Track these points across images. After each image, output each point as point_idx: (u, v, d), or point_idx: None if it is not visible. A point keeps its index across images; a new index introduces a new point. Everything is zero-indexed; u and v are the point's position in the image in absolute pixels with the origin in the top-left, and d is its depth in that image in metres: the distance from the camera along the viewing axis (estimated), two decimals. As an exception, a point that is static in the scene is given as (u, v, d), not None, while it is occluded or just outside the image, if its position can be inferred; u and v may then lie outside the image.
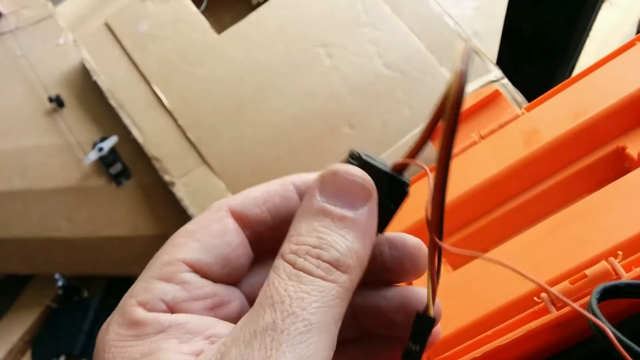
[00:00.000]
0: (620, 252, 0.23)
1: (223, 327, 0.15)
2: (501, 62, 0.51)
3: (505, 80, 0.49)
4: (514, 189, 0.35)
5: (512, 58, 0.55)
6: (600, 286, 0.20)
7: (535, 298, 0.24)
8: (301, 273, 0.14)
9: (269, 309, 0.13)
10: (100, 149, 0.52)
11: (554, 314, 0.23)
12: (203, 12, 0.56)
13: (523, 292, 0.26)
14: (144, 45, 0.53)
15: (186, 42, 0.53)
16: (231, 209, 0.17)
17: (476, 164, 0.37)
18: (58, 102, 0.55)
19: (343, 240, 0.14)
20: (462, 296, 0.29)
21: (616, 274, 0.23)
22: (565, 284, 0.23)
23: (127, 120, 0.51)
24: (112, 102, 0.52)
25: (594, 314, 0.18)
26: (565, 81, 0.38)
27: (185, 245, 0.16)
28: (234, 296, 0.17)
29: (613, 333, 0.17)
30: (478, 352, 0.24)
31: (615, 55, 0.37)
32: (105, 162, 0.52)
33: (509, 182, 0.35)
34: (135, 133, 0.51)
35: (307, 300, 0.13)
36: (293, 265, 0.14)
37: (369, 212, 0.15)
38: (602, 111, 0.33)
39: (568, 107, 0.36)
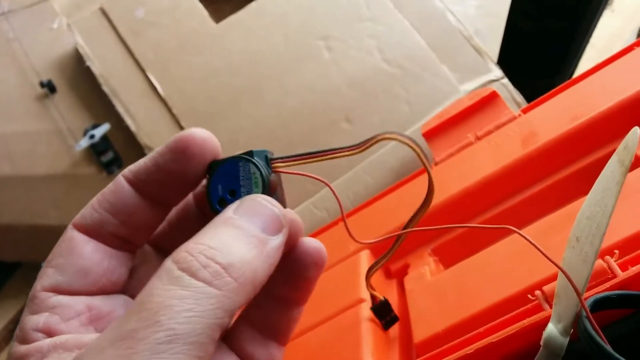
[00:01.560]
0: (616, 251, 0.23)
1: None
2: (502, 62, 0.51)
3: (506, 80, 0.49)
4: (509, 190, 0.35)
5: (513, 58, 0.55)
6: (591, 298, 0.20)
7: (529, 295, 0.24)
8: (183, 275, 0.13)
9: (135, 317, 0.13)
10: (92, 136, 0.51)
11: (548, 311, 0.22)
12: (202, 1, 0.55)
13: (516, 290, 0.26)
14: (139, 31, 0.52)
15: (183, 30, 0.52)
16: (74, 223, 0.17)
17: (471, 164, 0.37)
18: (50, 87, 0.54)
19: (246, 250, 0.14)
20: (454, 294, 0.29)
21: (612, 272, 0.22)
22: (561, 281, 0.23)
23: (120, 108, 0.50)
24: (105, 88, 0.51)
25: (584, 328, 0.19)
26: (563, 84, 0.38)
27: (43, 276, 0.16)
28: (115, 305, 0.17)
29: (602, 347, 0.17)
30: (470, 349, 0.23)
31: (613, 59, 0.37)
32: (97, 149, 0.51)
33: (504, 183, 0.35)
34: (128, 121, 0.50)
35: (178, 308, 0.12)
36: (178, 264, 0.13)
37: (278, 242, 0.15)
38: (599, 114, 0.32)
39: (565, 110, 0.35)
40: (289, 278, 0.18)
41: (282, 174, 0.18)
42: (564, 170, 0.34)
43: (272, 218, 0.15)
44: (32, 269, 0.67)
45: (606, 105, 0.32)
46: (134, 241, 0.18)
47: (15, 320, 0.65)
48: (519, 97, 0.49)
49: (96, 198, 0.17)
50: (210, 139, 0.17)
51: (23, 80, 0.56)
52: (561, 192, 0.34)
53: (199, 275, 0.13)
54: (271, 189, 0.17)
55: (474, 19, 0.54)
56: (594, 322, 0.19)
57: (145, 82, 0.51)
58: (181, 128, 0.50)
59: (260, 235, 0.15)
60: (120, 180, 0.17)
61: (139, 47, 0.52)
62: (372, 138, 0.18)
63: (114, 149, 0.52)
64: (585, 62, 0.58)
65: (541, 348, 0.21)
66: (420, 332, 0.28)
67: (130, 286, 0.18)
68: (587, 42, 0.60)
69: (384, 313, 0.30)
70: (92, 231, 0.17)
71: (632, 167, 0.29)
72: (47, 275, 0.16)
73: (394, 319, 0.30)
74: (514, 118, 0.39)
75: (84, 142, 0.51)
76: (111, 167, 0.52)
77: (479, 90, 0.43)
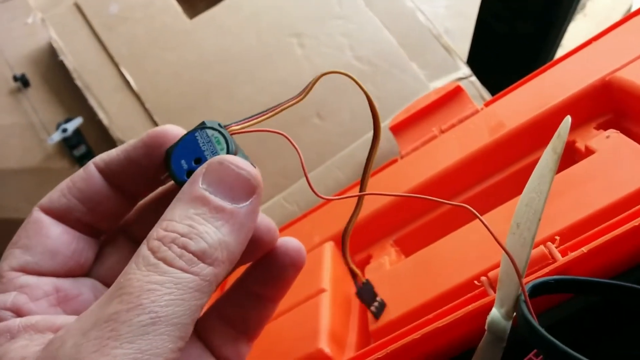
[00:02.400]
0: (557, 237, 0.24)
1: (71, 320, 0.15)
2: (472, 62, 0.52)
3: (473, 78, 0.50)
4: (471, 179, 0.36)
5: (483, 59, 0.56)
6: (530, 283, 0.21)
7: (475, 282, 0.25)
8: (160, 263, 0.13)
9: (117, 300, 0.13)
10: (65, 130, 0.51)
11: (492, 296, 0.23)
12: (177, -3, 0.55)
13: (467, 276, 0.27)
14: (113, 27, 0.53)
15: (157, 26, 0.52)
16: (40, 206, 0.17)
17: (435, 156, 0.38)
18: (23, 81, 0.54)
19: (216, 232, 0.14)
20: (409, 282, 0.29)
21: (552, 257, 0.23)
22: (504, 267, 0.23)
23: (93, 102, 0.50)
24: (79, 83, 0.51)
25: (521, 311, 0.19)
26: (524, 78, 0.39)
27: (9, 256, 0.16)
28: (82, 288, 0.17)
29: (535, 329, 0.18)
30: (417, 334, 0.24)
31: (571, 54, 0.38)
32: (69, 143, 0.51)
33: (466, 172, 0.36)
34: (101, 115, 0.50)
35: (159, 292, 0.13)
36: (154, 253, 0.14)
37: (249, 208, 0.15)
38: (554, 106, 0.33)
39: (525, 102, 0.36)
40: (267, 277, 0.18)
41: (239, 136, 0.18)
42: (524, 160, 0.35)
43: (241, 183, 0.15)
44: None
45: (561, 98, 0.33)
46: (100, 228, 0.18)
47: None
48: (486, 95, 0.50)
49: (65, 183, 0.17)
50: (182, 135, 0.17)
51: (-4, 74, 0.56)
52: (521, 181, 0.35)
53: (175, 264, 0.13)
54: (235, 152, 0.16)
55: (443, 18, 0.55)
56: (529, 305, 0.20)
57: (118, 77, 0.51)
58: (154, 122, 0.50)
59: (228, 207, 0.14)
60: (92, 169, 0.17)
61: (113, 42, 0.52)
62: (313, 80, 0.18)
63: (86, 143, 0.52)
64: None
65: (486, 332, 0.22)
66: (376, 320, 0.29)
67: (96, 270, 0.18)
68: (557, 45, 0.61)
69: (369, 298, 0.28)
70: (59, 215, 0.17)
71: (577, 159, 0.30)
72: (14, 256, 0.16)
73: (382, 305, 0.29)
74: (477, 111, 0.40)
75: (57, 136, 0.51)
76: (84, 161, 0.52)
77: (445, 86, 0.44)
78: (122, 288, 0.13)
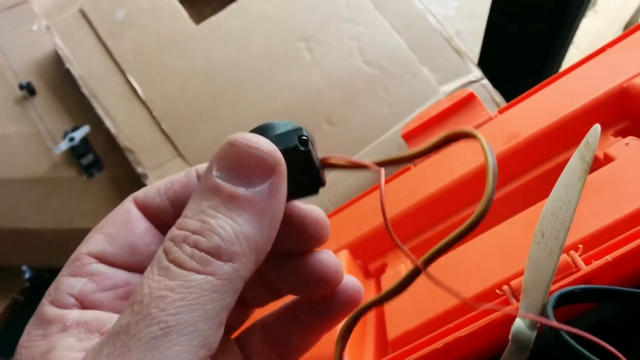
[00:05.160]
0: (580, 246, 0.24)
1: None
2: (483, 64, 0.52)
3: (485, 81, 0.50)
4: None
5: (494, 60, 0.56)
6: (556, 293, 0.20)
7: (497, 290, 0.24)
8: (171, 266, 0.12)
9: (128, 310, 0.12)
10: (72, 139, 0.51)
11: (515, 305, 0.23)
12: (183, 2, 0.55)
13: (487, 285, 0.26)
14: (119, 33, 0.52)
15: (163, 32, 0.52)
16: (135, 198, 0.16)
17: (449, 164, 0.38)
18: (29, 89, 0.54)
19: (231, 223, 0.13)
20: (428, 291, 0.29)
21: (576, 266, 0.23)
22: (527, 276, 0.23)
23: (100, 110, 0.50)
24: (85, 90, 0.51)
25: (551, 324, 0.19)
26: (538, 85, 0.39)
27: (91, 239, 0.15)
28: None
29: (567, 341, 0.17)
30: (439, 344, 0.23)
31: (586, 60, 0.37)
32: (77, 152, 0.51)
33: (481, 181, 0.35)
34: (108, 123, 0.50)
35: (169, 299, 0.12)
36: (166, 255, 0.13)
37: (269, 190, 0.13)
38: (571, 113, 0.33)
39: (540, 109, 0.36)
40: (318, 310, 0.17)
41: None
42: (539, 168, 0.35)
43: (255, 162, 0.13)
44: (12, 273, 0.66)
45: (577, 105, 0.33)
46: None
47: (-3, 325, 0.64)
48: (498, 98, 0.50)
49: (163, 183, 0.16)
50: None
51: (2, 82, 0.55)
52: (537, 189, 0.35)
53: (185, 265, 0.12)
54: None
55: (454, 20, 0.54)
56: (552, 317, 0.20)
57: (125, 84, 0.51)
58: (161, 130, 0.50)
59: (244, 194, 0.13)
60: (193, 174, 0.16)
61: (119, 48, 0.52)
62: (439, 138, 0.16)
63: (94, 152, 0.52)
64: (568, 64, 0.59)
65: (510, 342, 0.21)
66: (394, 329, 0.28)
67: None
68: (569, 43, 0.61)
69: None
70: (149, 213, 0.16)
71: (599, 166, 0.29)
72: (96, 241, 0.15)
73: None
74: (491, 118, 0.40)
75: (64, 145, 0.51)
76: (91, 170, 0.51)
77: (457, 93, 0.43)
78: (134, 295, 0.12)
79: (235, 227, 0.13)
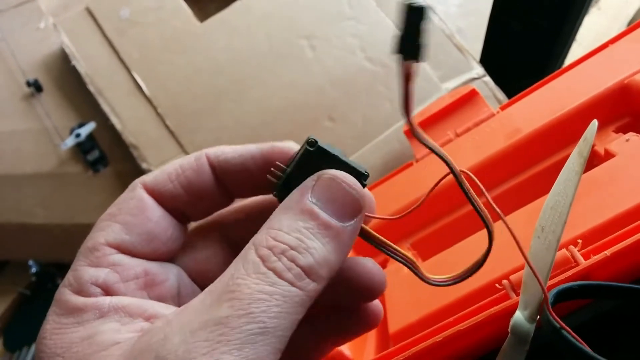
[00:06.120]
0: (579, 241, 0.24)
1: (162, 308, 0.15)
2: (485, 61, 0.52)
3: (487, 78, 0.50)
4: (489, 183, 0.36)
5: (496, 57, 0.56)
6: (554, 289, 0.21)
7: (497, 285, 0.25)
8: (270, 273, 0.13)
9: (227, 303, 0.13)
10: (78, 135, 0.51)
11: (514, 299, 0.23)
12: (187, 1, 0.55)
13: (487, 280, 0.26)
14: (125, 31, 0.53)
15: (168, 30, 0.52)
16: (145, 185, 0.16)
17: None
18: (36, 86, 0.55)
19: (322, 249, 0.14)
20: (428, 286, 0.29)
21: (575, 261, 0.23)
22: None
23: (105, 107, 0.51)
24: (91, 87, 0.51)
25: (547, 320, 0.19)
26: (540, 81, 0.39)
27: (107, 228, 0.16)
28: (168, 274, 0.17)
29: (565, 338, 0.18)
30: (439, 337, 0.24)
31: (588, 57, 0.37)
32: (83, 148, 0.52)
33: (483, 176, 0.35)
34: (114, 120, 0.50)
35: (269, 303, 0.13)
36: (264, 261, 0.14)
37: (353, 228, 0.15)
38: (572, 109, 0.33)
39: (542, 106, 0.36)
40: (338, 324, 0.18)
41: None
42: (541, 164, 0.35)
43: (349, 202, 0.15)
44: (18, 268, 0.67)
45: (579, 101, 0.33)
46: (193, 217, 0.18)
47: (4, 318, 0.65)
48: (500, 95, 0.50)
49: (173, 168, 0.17)
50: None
51: (9, 79, 0.56)
52: (539, 185, 0.35)
53: (284, 276, 0.13)
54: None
55: (456, 17, 0.54)
56: (552, 312, 0.20)
57: (130, 81, 0.51)
58: (166, 126, 0.50)
59: (336, 225, 0.14)
60: (204, 161, 0.17)
61: (124, 46, 0.52)
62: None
63: (99, 148, 0.52)
64: (571, 61, 0.58)
65: (509, 334, 0.22)
66: (396, 322, 0.29)
67: (182, 258, 0.18)
68: (572, 40, 0.60)
69: None
70: (162, 199, 0.16)
71: (599, 162, 0.29)
72: (113, 230, 0.15)
73: None
74: (492, 115, 0.40)
75: (70, 141, 0.51)
76: (97, 166, 0.52)
77: (460, 89, 0.43)
78: (232, 292, 0.13)
79: (324, 253, 0.14)
